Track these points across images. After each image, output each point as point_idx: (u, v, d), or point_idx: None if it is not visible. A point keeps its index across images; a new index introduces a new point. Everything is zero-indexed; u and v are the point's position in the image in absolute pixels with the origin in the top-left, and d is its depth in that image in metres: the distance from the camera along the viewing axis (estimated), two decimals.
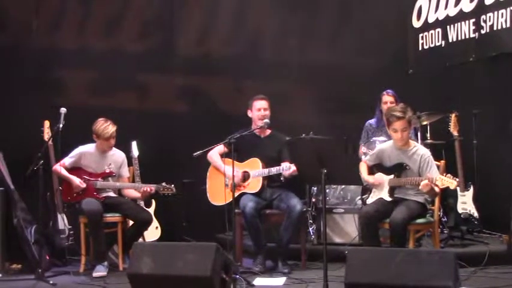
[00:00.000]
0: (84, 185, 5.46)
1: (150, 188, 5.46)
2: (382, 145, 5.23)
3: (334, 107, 6.90)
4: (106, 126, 5.49)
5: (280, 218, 5.36)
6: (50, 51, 6.65)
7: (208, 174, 5.67)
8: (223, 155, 5.53)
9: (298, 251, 5.47)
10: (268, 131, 5.69)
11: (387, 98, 6.14)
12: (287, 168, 5.30)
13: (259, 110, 5.55)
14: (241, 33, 7.22)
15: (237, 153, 5.43)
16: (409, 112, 4.91)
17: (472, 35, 6.32)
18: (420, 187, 4.72)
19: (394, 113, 4.88)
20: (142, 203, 5.86)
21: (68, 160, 5.55)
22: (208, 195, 5.61)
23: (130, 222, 5.65)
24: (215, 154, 5.57)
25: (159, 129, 6.79)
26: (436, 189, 4.76)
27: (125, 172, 5.73)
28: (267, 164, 5.46)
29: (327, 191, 5.88)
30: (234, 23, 7.22)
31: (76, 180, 5.47)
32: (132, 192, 5.67)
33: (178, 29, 7.13)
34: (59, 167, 5.49)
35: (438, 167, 5.00)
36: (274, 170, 5.38)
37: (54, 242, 5.71)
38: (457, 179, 4.62)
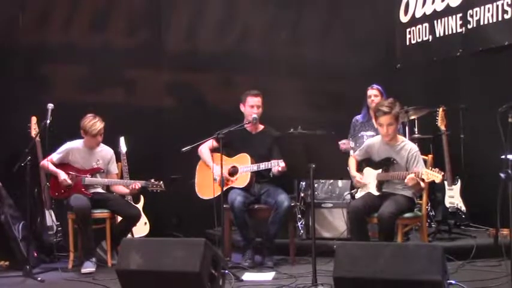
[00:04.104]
0: (69, 182, 5.43)
1: (136, 184, 5.43)
2: (371, 140, 5.23)
3: (323, 102, 6.91)
4: (94, 123, 5.45)
5: (269, 213, 5.35)
6: (37, 47, 6.59)
7: (197, 168, 5.65)
8: (213, 150, 5.51)
9: (287, 245, 5.47)
10: (261, 127, 5.65)
11: (371, 92, 6.17)
12: (276, 164, 5.28)
13: (251, 107, 5.51)
14: (230, 28, 7.18)
15: (228, 148, 5.42)
16: (396, 107, 4.91)
17: (459, 30, 6.34)
18: (406, 181, 4.73)
19: (381, 107, 4.90)
20: (130, 199, 5.83)
21: (55, 156, 5.51)
22: (196, 189, 5.60)
23: (119, 218, 5.63)
24: (205, 148, 5.55)
25: (147, 125, 6.76)
26: (422, 184, 4.78)
27: (114, 168, 5.70)
28: (256, 160, 5.44)
29: (316, 185, 5.89)
30: (223, 18, 7.19)
31: (62, 175, 5.43)
32: (121, 188, 5.64)
33: (166, 24, 7.09)
34: (47, 162, 5.45)
35: (426, 161, 5.02)
36: (262, 166, 5.36)
37: (42, 238, 5.68)
38: (443, 173, 4.64)
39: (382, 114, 4.86)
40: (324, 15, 7.17)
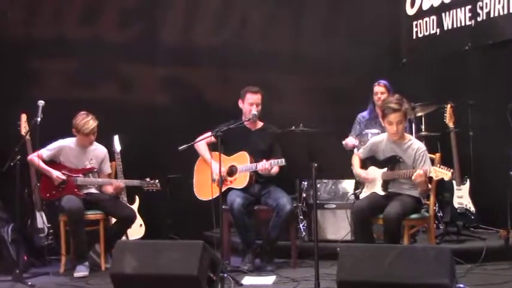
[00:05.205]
0: (63, 177, 5.43)
1: (119, 182, 5.48)
2: (376, 138, 5.24)
3: (326, 99, 6.91)
4: (86, 121, 5.45)
5: (269, 214, 5.37)
6: (26, 41, 6.59)
7: (195, 167, 5.67)
8: (210, 146, 5.51)
9: (288, 248, 5.49)
10: (260, 124, 5.67)
11: (378, 89, 6.17)
12: (275, 164, 5.29)
13: (251, 105, 5.52)
14: (228, 20, 7.18)
15: (225, 145, 5.42)
16: (405, 104, 4.92)
17: (468, 23, 6.34)
18: (413, 177, 4.73)
19: (390, 105, 4.88)
20: (125, 199, 5.84)
21: (45, 152, 5.51)
22: (194, 189, 5.62)
23: (113, 220, 5.64)
24: (202, 144, 5.55)
25: (142, 122, 6.77)
26: (429, 185, 4.80)
27: (107, 168, 5.70)
28: (256, 158, 5.45)
29: (318, 185, 5.89)
30: (220, 10, 7.18)
31: (54, 173, 5.44)
32: (108, 188, 5.63)
33: (161, 16, 7.09)
34: (36, 158, 5.43)
35: (433, 160, 5.03)
36: (260, 166, 5.36)
37: (33, 241, 5.69)
38: (452, 170, 4.64)
39: (392, 111, 4.85)
40: (326, 8, 7.16)
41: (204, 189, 5.47)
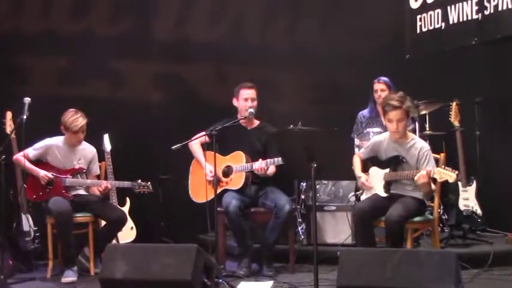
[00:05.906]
0: (51, 176, 5.41)
1: (106, 183, 5.46)
2: (378, 137, 5.23)
3: (326, 96, 6.91)
4: (76, 119, 5.43)
5: (267, 217, 5.36)
6: (12, 35, 6.59)
7: (191, 168, 5.66)
8: (204, 145, 5.49)
9: (286, 252, 5.47)
10: (257, 122, 5.66)
11: (378, 86, 6.17)
12: (259, 165, 5.27)
13: (246, 100, 5.52)
14: (223, 14, 7.18)
15: (220, 145, 5.42)
16: (407, 102, 4.92)
17: (474, 16, 6.31)
18: (416, 178, 4.72)
19: (390, 102, 4.89)
20: (115, 201, 5.82)
21: (32, 152, 5.49)
22: (190, 191, 5.60)
23: (103, 223, 5.62)
24: (196, 144, 5.54)
25: (133, 121, 6.75)
26: (433, 185, 4.78)
27: (95, 169, 5.69)
28: (252, 158, 5.44)
29: (318, 186, 5.88)
30: (216, 4, 7.17)
31: (41, 172, 5.42)
32: (95, 189, 5.60)
33: (154, 10, 7.08)
34: (22, 158, 5.40)
35: (438, 160, 5.02)
36: (256, 165, 5.34)
37: (18, 245, 5.67)
38: (457, 172, 4.63)
39: (392, 108, 4.86)
40: (326, 2, 7.15)
41: (200, 191, 5.45)
